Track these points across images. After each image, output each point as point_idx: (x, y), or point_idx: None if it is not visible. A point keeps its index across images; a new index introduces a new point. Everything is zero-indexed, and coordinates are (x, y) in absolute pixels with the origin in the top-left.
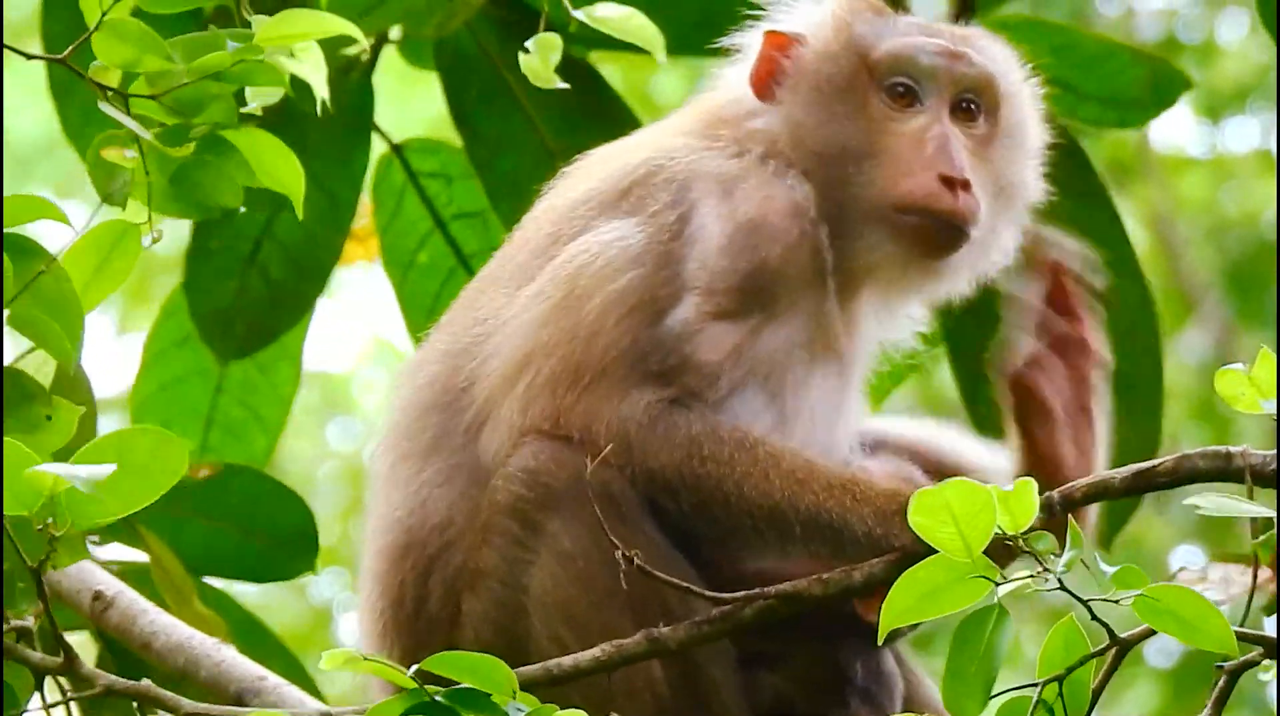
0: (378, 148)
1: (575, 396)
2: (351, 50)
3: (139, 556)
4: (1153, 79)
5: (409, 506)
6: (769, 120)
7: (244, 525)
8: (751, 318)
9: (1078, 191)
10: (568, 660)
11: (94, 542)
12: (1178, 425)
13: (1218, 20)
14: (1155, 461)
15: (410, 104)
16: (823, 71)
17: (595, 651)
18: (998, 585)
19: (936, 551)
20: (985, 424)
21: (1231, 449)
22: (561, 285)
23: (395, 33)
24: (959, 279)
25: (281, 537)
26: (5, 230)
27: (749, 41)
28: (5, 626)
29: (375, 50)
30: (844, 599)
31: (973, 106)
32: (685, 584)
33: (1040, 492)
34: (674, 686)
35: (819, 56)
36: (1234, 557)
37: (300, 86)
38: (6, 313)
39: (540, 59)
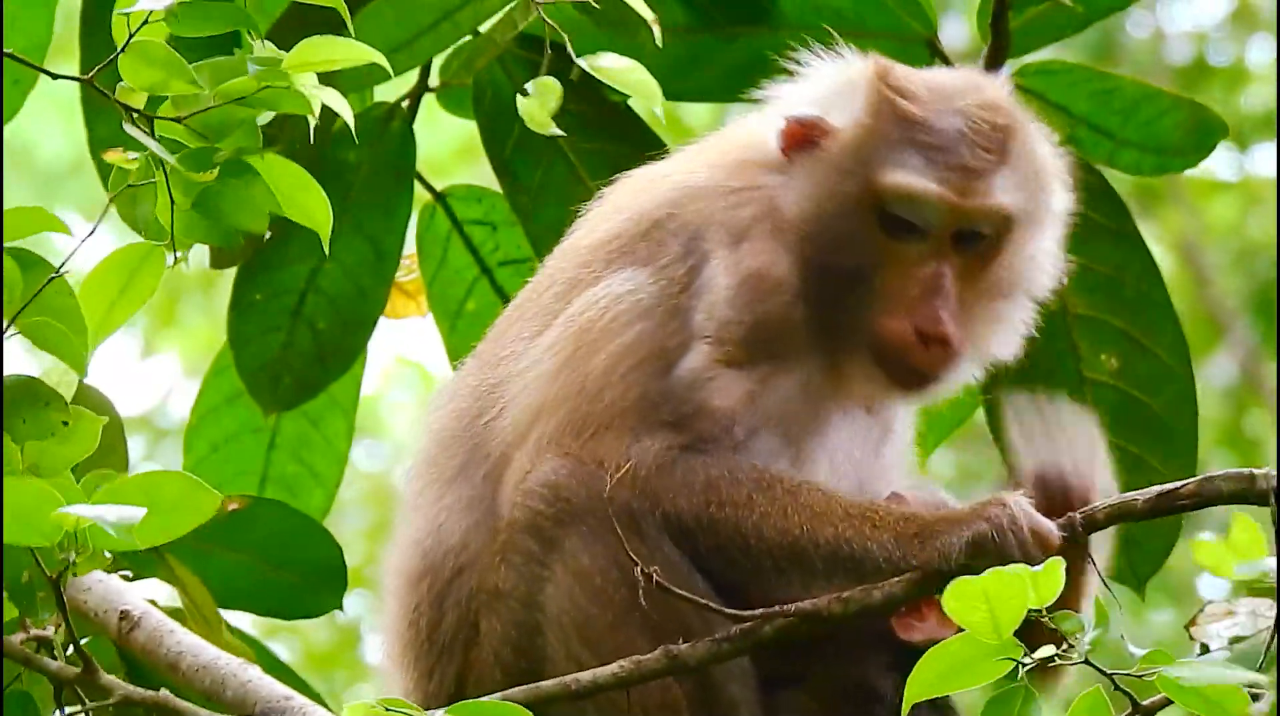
0: (420, 196)
1: (580, 444)
2: (391, 98)
3: (168, 592)
4: (1191, 124)
5: (427, 530)
6: (783, 183)
7: (272, 559)
8: (760, 366)
9: (1112, 233)
10: (586, 675)
11: (125, 577)
12: (1205, 450)
13: (1247, 43)
14: (1178, 483)
15: (452, 151)
16: (835, 174)
17: (614, 667)
18: (1023, 664)
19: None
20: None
21: (1255, 471)
22: (571, 339)
23: (434, 80)
24: (950, 388)
25: (309, 573)
26: (9, 243)
27: (785, 96)
28: (25, 636)
29: (415, 99)
30: (864, 617)
31: (979, 233)
32: (704, 601)
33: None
34: (693, 704)
35: (834, 161)
36: (1264, 590)
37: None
38: (14, 327)
39: (539, 104)
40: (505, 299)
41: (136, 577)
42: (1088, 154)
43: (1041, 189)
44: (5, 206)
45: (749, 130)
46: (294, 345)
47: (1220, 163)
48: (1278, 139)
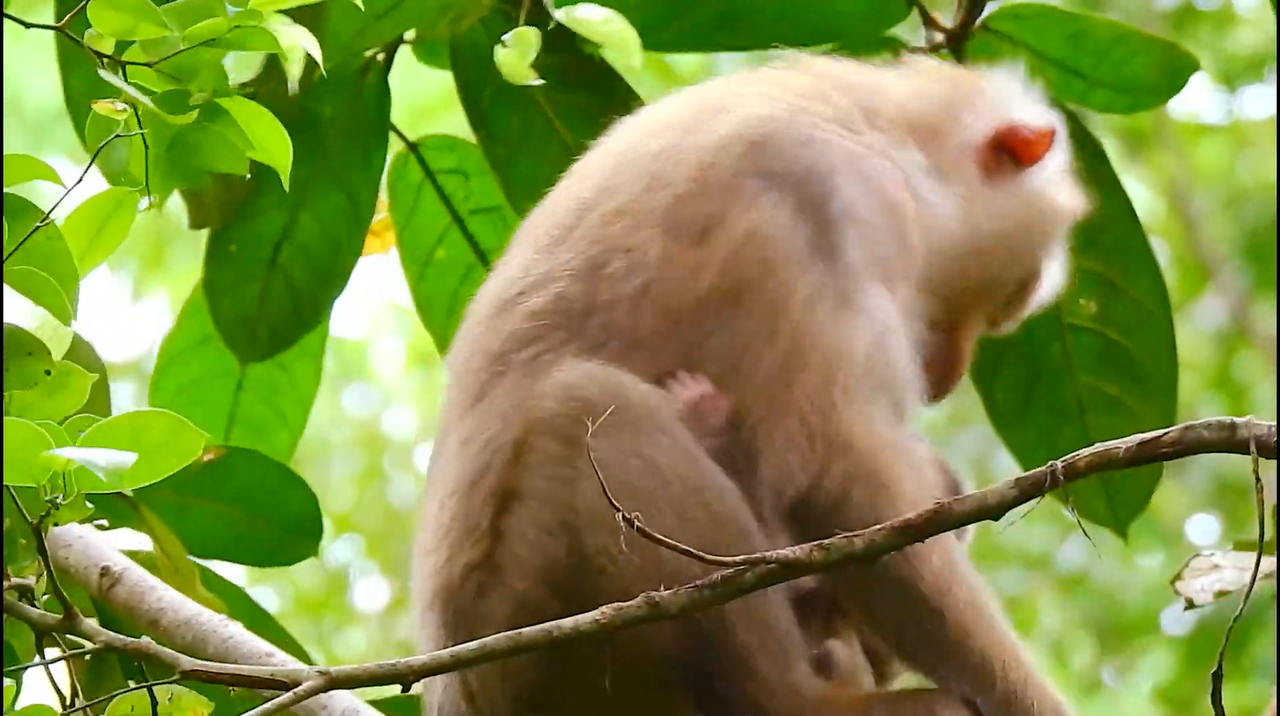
0: (394, 146)
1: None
2: (368, 52)
3: (142, 540)
4: (1163, 64)
5: (478, 431)
6: (990, 191)
7: (249, 509)
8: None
9: (1090, 179)
10: (568, 622)
11: (100, 527)
12: (1193, 395)
13: None
14: (1160, 432)
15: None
16: (1026, 225)
17: (595, 614)
18: None
19: None
20: (1002, 416)
21: (1236, 420)
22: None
23: (410, 33)
24: None
25: (286, 522)
26: None
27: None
28: (6, 584)
29: (391, 52)
30: (845, 565)
31: None
32: (685, 547)
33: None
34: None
35: (1040, 210)
36: (1250, 545)
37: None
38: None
39: (517, 54)
40: (476, 247)
41: (111, 527)
42: (1061, 95)
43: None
44: None
45: (914, 90)
46: (270, 296)
47: (1208, 106)
48: (1277, 85)
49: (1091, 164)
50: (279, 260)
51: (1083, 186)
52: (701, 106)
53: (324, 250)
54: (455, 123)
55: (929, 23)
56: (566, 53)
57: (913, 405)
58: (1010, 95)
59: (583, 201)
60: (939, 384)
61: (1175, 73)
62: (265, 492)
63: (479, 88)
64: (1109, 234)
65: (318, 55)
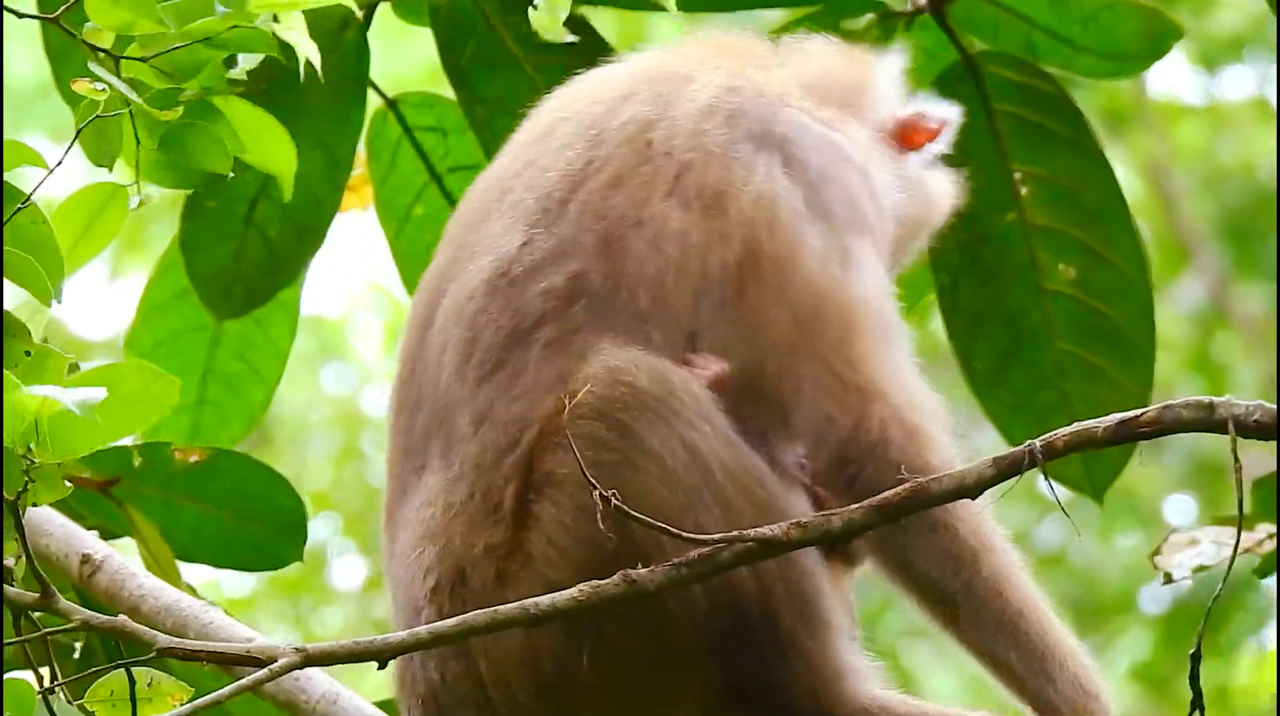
0: (373, 103)
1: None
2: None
3: (127, 543)
4: (1147, 30)
5: (502, 401)
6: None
7: (235, 511)
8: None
9: (1070, 144)
10: (545, 600)
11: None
12: (1173, 375)
13: None
14: (1139, 411)
15: (405, 56)
16: (929, 197)
17: (573, 591)
18: None
19: None
20: (980, 380)
21: (1215, 399)
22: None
23: None
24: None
25: (272, 524)
26: None
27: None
28: None
29: (370, 8)
30: (822, 543)
31: None
32: (662, 525)
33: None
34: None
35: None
36: (1228, 520)
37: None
38: None
39: (549, 13)
40: (454, 204)
41: (104, 536)
42: (1046, 60)
43: None
44: None
45: (820, 68)
46: (246, 253)
47: (1188, 87)
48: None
49: (1073, 130)
50: (255, 217)
51: (1065, 153)
52: (659, 77)
53: (301, 207)
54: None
55: None
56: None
57: (914, 357)
58: (897, 84)
59: (570, 173)
60: None
61: (1159, 38)
62: (251, 495)
63: (459, 46)
64: (1090, 200)
65: (315, 59)
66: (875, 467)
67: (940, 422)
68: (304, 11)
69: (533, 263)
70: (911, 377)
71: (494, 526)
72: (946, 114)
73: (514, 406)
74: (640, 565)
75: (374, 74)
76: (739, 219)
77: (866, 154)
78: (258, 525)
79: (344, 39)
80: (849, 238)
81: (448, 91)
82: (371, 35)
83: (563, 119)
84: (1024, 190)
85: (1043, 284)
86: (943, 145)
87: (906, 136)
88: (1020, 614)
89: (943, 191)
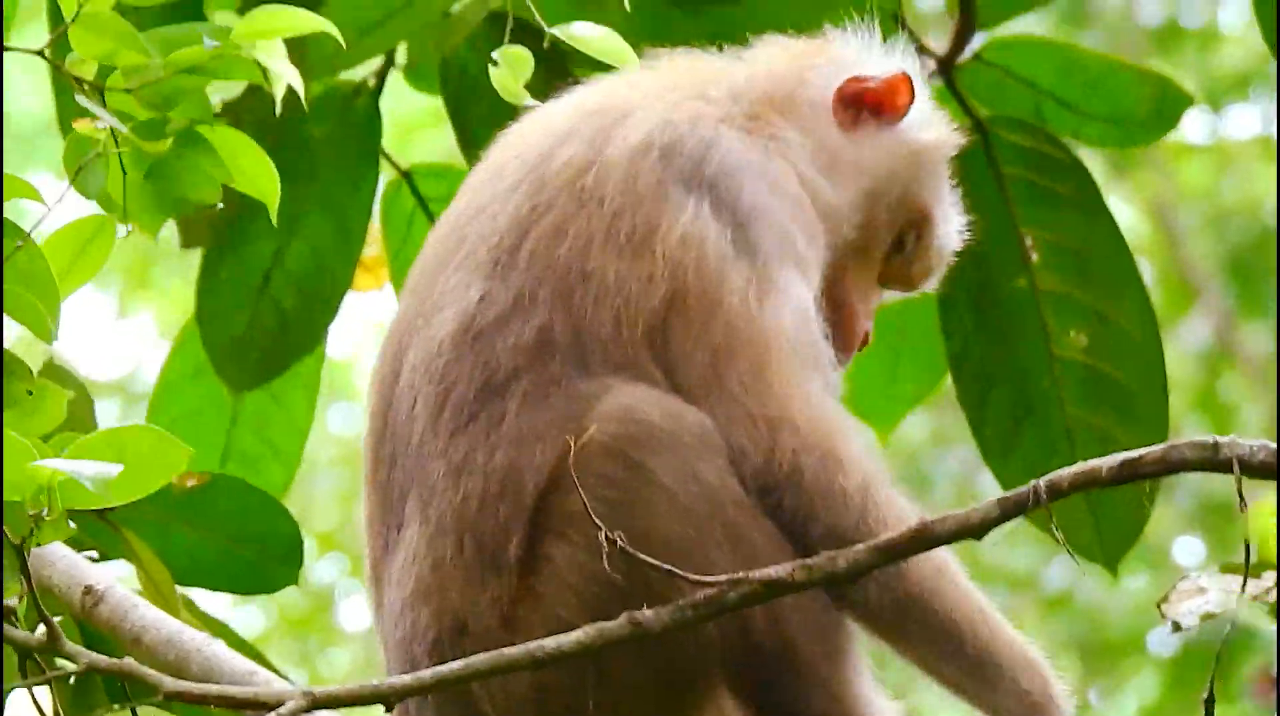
0: (386, 174)
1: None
2: (357, 75)
3: (126, 568)
4: (1156, 98)
5: (488, 455)
6: (853, 145)
7: (232, 536)
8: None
9: (1077, 206)
10: (550, 642)
11: (91, 559)
12: (1179, 415)
13: (1219, 5)
14: (1143, 451)
15: (418, 131)
16: (898, 164)
17: (578, 634)
18: None
19: None
20: (991, 448)
21: (1220, 439)
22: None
23: (401, 57)
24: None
25: (268, 549)
26: None
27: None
28: None
29: (381, 76)
30: (827, 585)
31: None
32: (668, 567)
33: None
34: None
35: (902, 151)
36: (1236, 567)
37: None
38: None
39: (510, 74)
40: None
41: (101, 558)
42: (1054, 127)
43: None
44: None
45: (766, 71)
46: (260, 323)
47: (1193, 126)
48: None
49: (1080, 193)
50: (269, 287)
51: (1073, 216)
52: (600, 111)
53: (315, 277)
54: (441, 143)
55: (920, 49)
56: (558, 76)
57: (835, 381)
58: (855, 53)
59: (518, 219)
60: (840, 350)
61: (1169, 107)
62: (248, 519)
63: (468, 110)
64: (1097, 264)
65: (298, 85)
66: (793, 496)
67: (854, 443)
68: (319, 82)
69: (496, 316)
70: (823, 402)
71: (494, 576)
72: (886, 68)
73: (497, 455)
74: (654, 603)
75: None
76: (665, 262)
77: (808, 169)
78: (254, 549)
79: (354, 107)
80: (775, 268)
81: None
82: (385, 112)
83: (513, 156)
84: (1034, 255)
85: (1053, 349)
86: (923, 97)
87: (876, 104)
88: (952, 622)
89: (922, 143)
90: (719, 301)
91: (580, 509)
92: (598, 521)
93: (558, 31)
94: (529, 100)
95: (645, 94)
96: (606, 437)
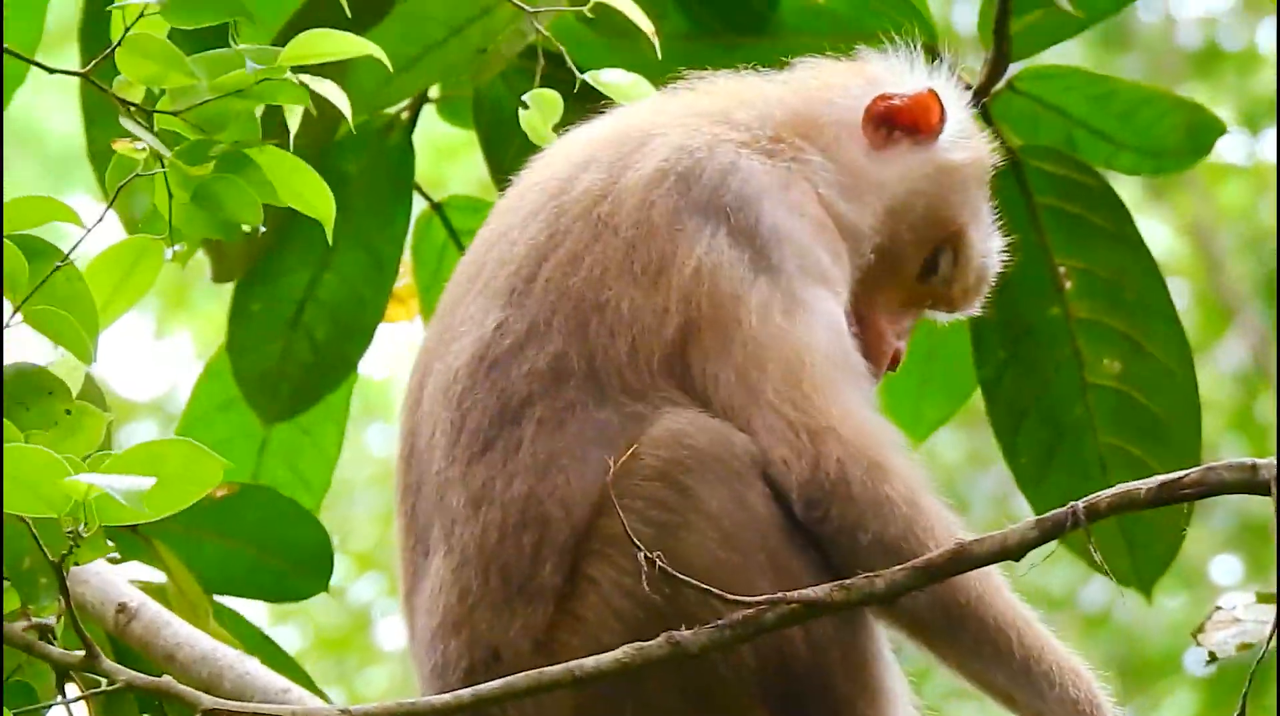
0: (418, 206)
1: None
2: (391, 109)
3: (156, 575)
4: (1189, 125)
5: (519, 481)
6: (878, 164)
7: (261, 545)
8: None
9: (1111, 236)
10: (590, 662)
11: (113, 560)
12: (1215, 436)
13: (1258, 27)
14: (1181, 473)
15: (451, 164)
16: (931, 185)
17: (618, 653)
18: None
19: None
20: (1025, 475)
21: (1258, 461)
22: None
23: (434, 92)
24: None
25: (297, 558)
26: (20, 232)
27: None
28: (27, 624)
29: (415, 110)
30: (866, 605)
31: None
32: (705, 586)
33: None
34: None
35: (934, 173)
36: (1272, 598)
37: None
38: (20, 315)
39: (540, 116)
40: None
41: (125, 560)
42: (1086, 156)
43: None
44: (15, 194)
45: (795, 92)
46: (292, 355)
47: (1231, 148)
48: (1278, 128)
49: (1113, 222)
50: (302, 319)
51: (1106, 245)
52: (620, 138)
53: (348, 309)
54: (472, 174)
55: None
56: (589, 111)
57: (872, 394)
58: (886, 72)
59: (535, 247)
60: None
61: (1201, 135)
62: (277, 528)
63: (502, 145)
64: (1131, 292)
65: (345, 108)
66: (841, 506)
67: (897, 452)
68: (351, 119)
69: (511, 344)
70: (863, 412)
71: (524, 604)
72: (914, 86)
73: (515, 484)
74: (693, 625)
75: (421, 183)
76: (678, 293)
77: (829, 190)
78: (284, 558)
79: (388, 140)
80: (799, 286)
81: (478, 169)
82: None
83: (535, 184)
84: (1067, 283)
85: (1086, 377)
86: (957, 113)
87: (908, 123)
88: (999, 631)
89: (953, 162)
90: (736, 322)
91: (623, 531)
92: (636, 542)
93: (588, 78)
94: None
95: (667, 119)
96: (657, 461)
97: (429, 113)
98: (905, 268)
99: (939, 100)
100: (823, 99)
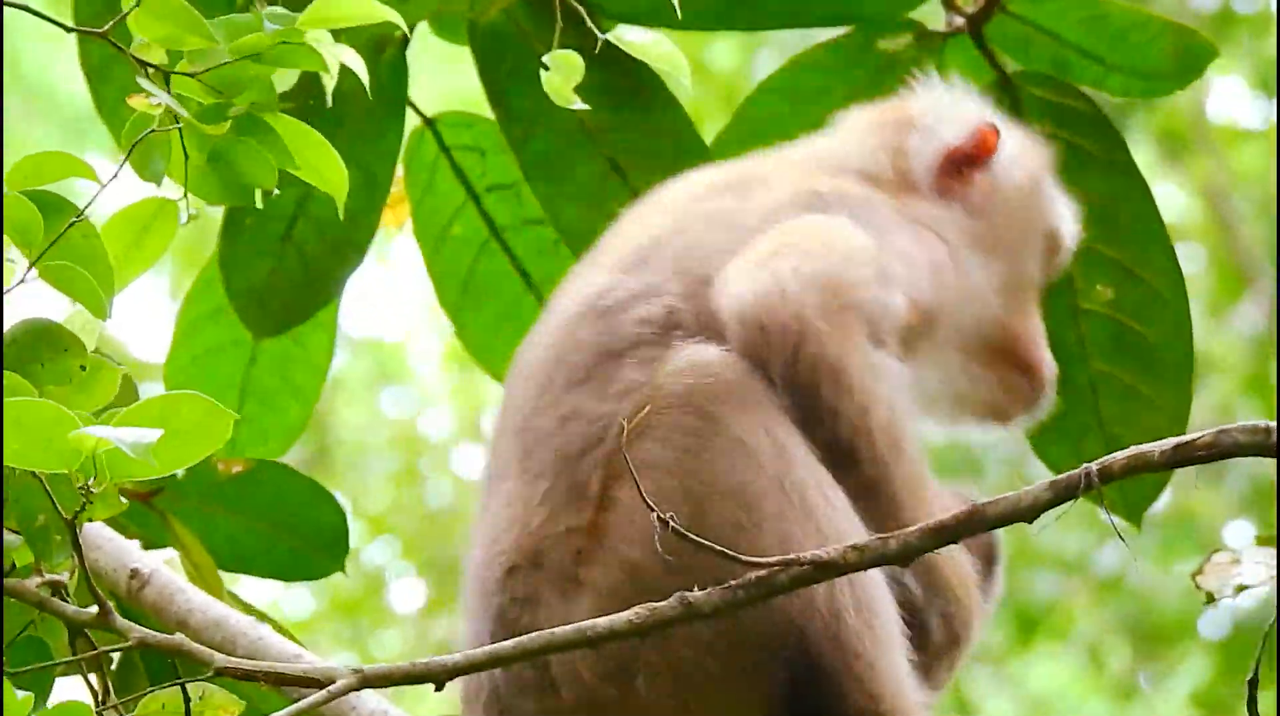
0: (411, 121)
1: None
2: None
3: (169, 554)
4: (1180, 49)
5: (585, 410)
6: (942, 207)
7: (275, 522)
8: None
9: (1106, 163)
10: (603, 622)
11: (126, 533)
12: (1231, 398)
13: None
14: (1195, 435)
15: (444, 78)
16: (1018, 202)
17: (629, 614)
18: None
19: None
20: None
21: (1271, 423)
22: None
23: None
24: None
25: (313, 536)
26: (35, 188)
27: (930, 111)
28: (40, 581)
29: (409, 27)
30: (878, 565)
31: None
32: (720, 547)
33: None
34: None
35: (1019, 187)
36: (1271, 540)
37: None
38: (35, 270)
39: (561, 78)
40: (491, 224)
41: (147, 546)
42: (1078, 78)
43: None
44: (31, 150)
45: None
46: (283, 270)
47: (1247, 111)
48: (1277, 98)
49: (1109, 149)
50: (293, 234)
51: (1099, 172)
52: (745, 178)
53: (338, 225)
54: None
55: (949, 5)
56: (585, 35)
57: (895, 308)
58: (935, 114)
59: (656, 236)
60: (1034, 389)
61: (1192, 58)
62: (293, 506)
63: (497, 65)
64: (1124, 219)
65: (364, 74)
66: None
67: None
68: (343, 30)
69: (624, 296)
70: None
71: (577, 511)
72: (972, 124)
73: (603, 405)
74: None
75: (414, 94)
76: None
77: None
78: (298, 536)
79: (382, 59)
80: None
81: (486, 111)
82: (412, 60)
83: (663, 198)
84: None
85: (1079, 304)
86: (1010, 135)
87: (967, 160)
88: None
89: (1020, 180)
90: None
91: (649, 458)
92: (650, 503)
93: (610, 37)
94: (578, 104)
95: (788, 171)
96: (681, 388)
97: (422, 27)
98: (1030, 281)
99: (995, 130)
100: (893, 161)
